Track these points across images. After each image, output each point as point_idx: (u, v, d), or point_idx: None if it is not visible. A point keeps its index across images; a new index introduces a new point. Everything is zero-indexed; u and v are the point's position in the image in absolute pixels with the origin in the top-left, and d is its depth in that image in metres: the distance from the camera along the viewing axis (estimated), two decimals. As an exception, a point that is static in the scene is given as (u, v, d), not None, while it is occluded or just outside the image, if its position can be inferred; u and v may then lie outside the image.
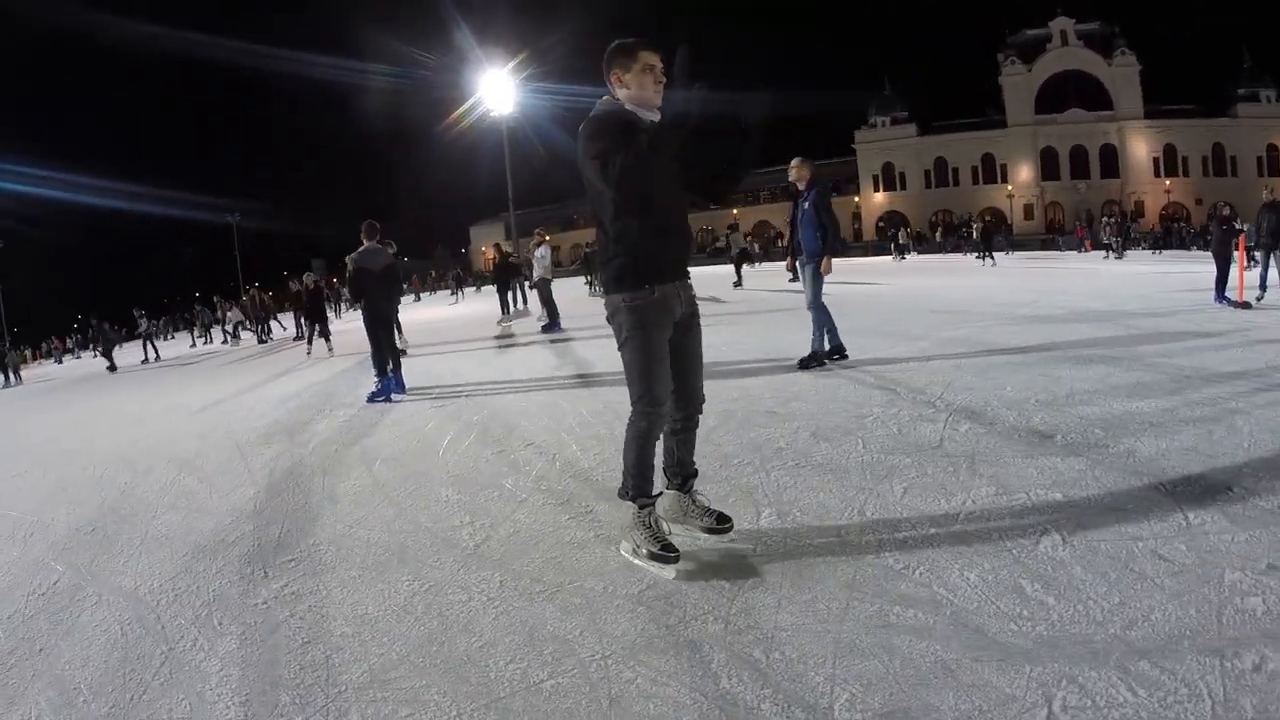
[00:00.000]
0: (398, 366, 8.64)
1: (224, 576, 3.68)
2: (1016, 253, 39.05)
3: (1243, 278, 11.60)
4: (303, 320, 17.53)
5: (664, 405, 3.22)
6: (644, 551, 3.25)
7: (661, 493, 3.44)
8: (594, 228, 3.35)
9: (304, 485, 5.14)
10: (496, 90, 28.73)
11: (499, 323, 15.78)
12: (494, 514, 4.15)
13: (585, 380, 8.35)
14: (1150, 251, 37.25)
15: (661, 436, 3.38)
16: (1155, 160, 59.47)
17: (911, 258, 40.43)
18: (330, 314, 22.62)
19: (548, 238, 15.72)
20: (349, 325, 19.53)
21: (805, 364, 7.41)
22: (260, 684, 2.67)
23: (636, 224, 3.09)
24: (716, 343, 9.37)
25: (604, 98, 3.19)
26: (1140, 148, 59.63)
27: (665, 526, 3.37)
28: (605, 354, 10.02)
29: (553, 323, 13.27)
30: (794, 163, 7.52)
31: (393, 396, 8.19)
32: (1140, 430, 4.69)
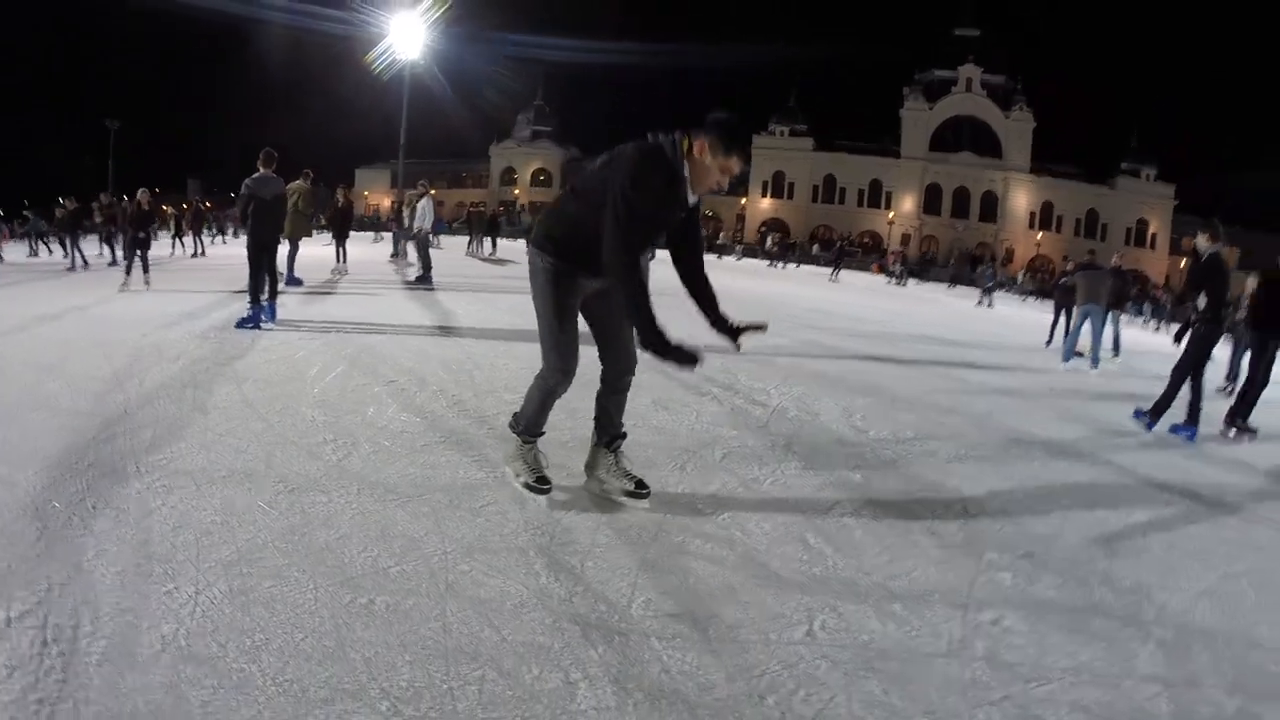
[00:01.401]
0: (274, 295, 8.62)
1: (96, 470, 3.79)
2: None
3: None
4: (123, 244, 13.88)
5: (568, 371, 3.42)
6: (521, 480, 3.67)
7: (544, 433, 3.78)
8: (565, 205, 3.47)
9: (173, 397, 5.22)
10: (405, 33, 27.71)
11: (332, 270, 14.69)
12: (356, 435, 4.51)
13: (449, 331, 8.60)
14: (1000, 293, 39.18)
15: (596, 394, 3.65)
16: (1032, 213, 63.39)
17: (790, 268, 41.42)
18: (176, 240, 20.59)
19: (432, 191, 15.40)
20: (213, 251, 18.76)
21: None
22: (134, 558, 2.91)
23: (606, 237, 3.09)
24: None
25: (679, 138, 3.16)
26: (1020, 199, 63.51)
27: (543, 461, 3.75)
28: (472, 309, 10.36)
29: (425, 276, 13.19)
30: None
31: (263, 324, 8.17)
32: (947, 437, 5.59)
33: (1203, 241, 7.11)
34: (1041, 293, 41.95)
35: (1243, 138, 62.72)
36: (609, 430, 3.71)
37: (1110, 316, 12.15)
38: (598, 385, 3.71)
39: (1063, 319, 13.04)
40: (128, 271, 11.93)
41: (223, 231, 31.21)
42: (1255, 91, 62.85)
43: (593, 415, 3.74)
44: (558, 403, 3.68)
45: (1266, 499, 5.39)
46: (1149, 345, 15.48)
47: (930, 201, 64.64)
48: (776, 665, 2.59)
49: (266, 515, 3.36)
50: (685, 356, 3.13)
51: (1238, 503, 5.14)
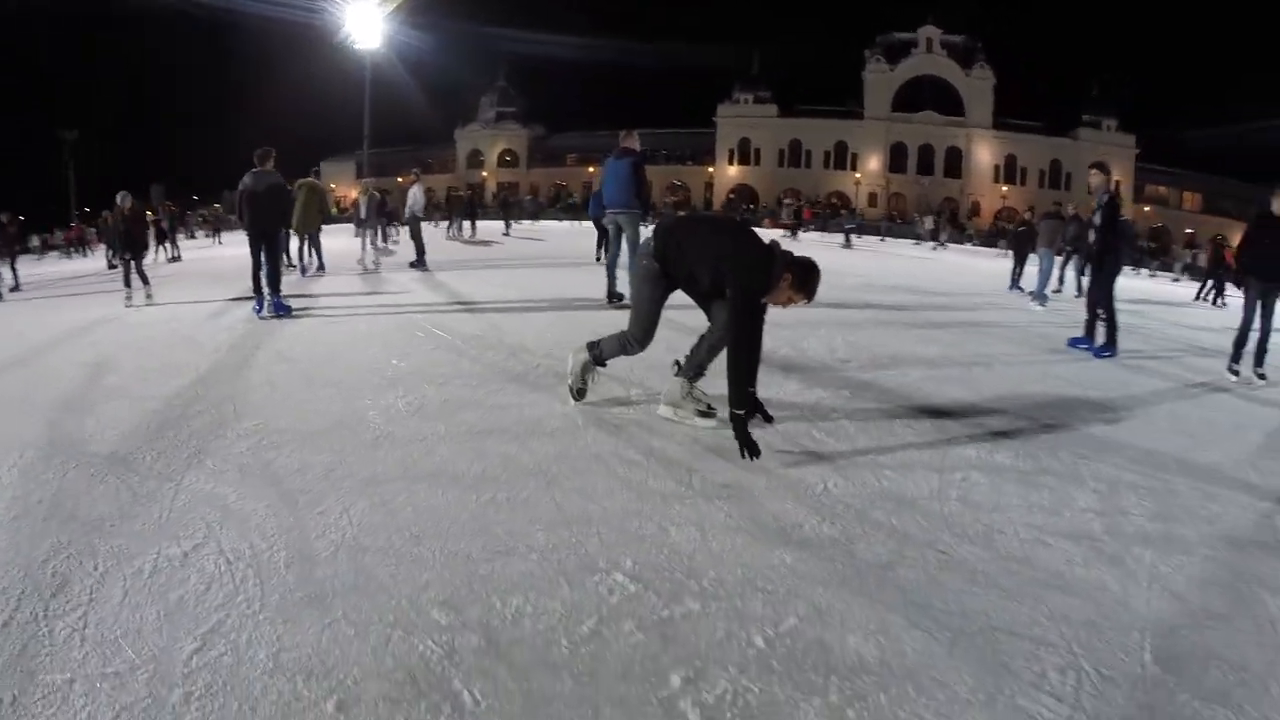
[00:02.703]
0: (277, 288, 8.82)
1: (197, 439, 4.28)
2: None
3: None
4: (118, 253, 12.48)
5: (644, 343, 4.41)
6: (570, 383, 4.76)
7: (605, 366, 4.71)
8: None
9: (234, 377, 5.73)
10: (364, 22, 27.72)
11: (357, 260, 14.67)
12: (421, 391, 5.21)
13: (463, 306, 9.19)
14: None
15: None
16: (996, 167, 64.19)
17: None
18: (154, 246, 18.66)
19: (421, 177, 15.82)
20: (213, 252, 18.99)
21: (611, 298, 8.76)
22: (274, 495, 3.52)
23: (734, 327, 4.02)
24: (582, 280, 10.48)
25: (780, 268, 3.94)
26: (984, 154, 64.24)
27: (589, 382, 4.77)
28: (479, 286, 10.93)
29: (419, 260, 13.70)
30: (636, 133, 8.70)
31: (264, 312, 8.51)
32: (917, 361, 6.49)
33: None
34: (994, 239, 42.82)
35: (1202, 87, 63.74)
36: (697, 369, 4.54)
37: (1073, 261, 13.17)
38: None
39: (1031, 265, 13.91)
40: (126, 283, 10.80)
41: (191, 235, 31.23)
42: (1214, 41, 63.77)
43: (684, 356, 4.57)
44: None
45: (1187, 395, 6.45)
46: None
47: (895, 160, 65.32)
48: (800, 514, 3.44)
49: (374, 453, 4.07)
50: (752, 446, 3.86)
51: (1163, 398, 6.13)
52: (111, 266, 17.20)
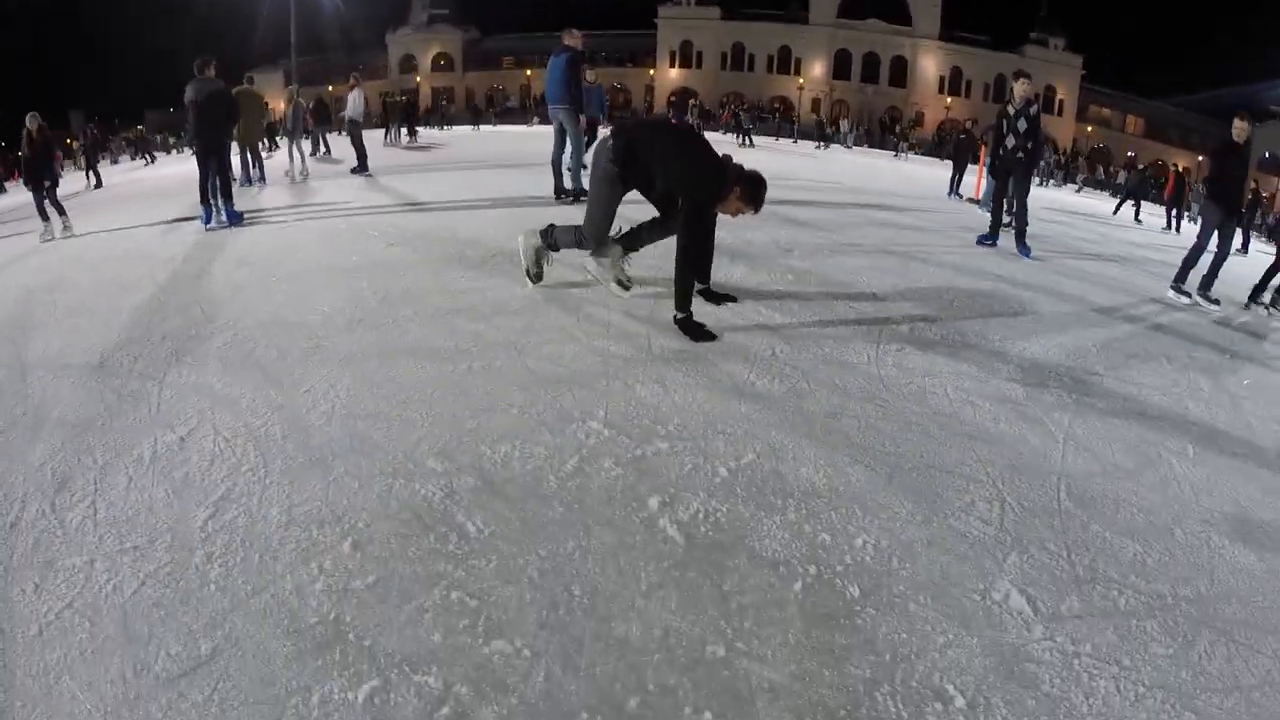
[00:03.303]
0: (229, 197, 8.61)
1: (171, 340, 4.28)
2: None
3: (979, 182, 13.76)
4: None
5: (598, 240, 4.56)
6: (525, 266, 5.00)
7: (558, 251, 4.88)
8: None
9: (197, 283, 5.69)
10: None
11: (285, 172, 13.65)
12: (385, 282, 5.30)
13: (416, 207, 9.11)
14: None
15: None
16: (942, 78, 63.39)
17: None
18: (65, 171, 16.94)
19: (360, 83, 15.33)
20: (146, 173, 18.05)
21: (559, 195, 8.85)
22: (263, 379, 3.69)
23: (682, 227, 4.22)
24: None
25: (731, 179, 4.14)
26: (930, 65, 63.21)
27: (545, 264, 4.99)
28: (425, 188, 10.81)
29: (361, 165, 13.40)
30: (575, 31, 8.60)
31: (212, 224, 8.28)
32: (856, 252, 6.90)
33: None
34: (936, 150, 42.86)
35: (1150, 11, 63.47)
36: (634, 243, 4.78)
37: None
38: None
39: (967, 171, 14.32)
40: (43, 216, 9.46)
41: (114, 159, 29.58)
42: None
43: (627, 226, 4.76)
44: None
45: (1111, 295, 7.20)
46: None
47: (840, 67, 64.27)
48: (752, 374, 3.79)
49: (349, 336, 4.24)
50: (703, 333, 4.17)
51: (1087, 296, 6.62)
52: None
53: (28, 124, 10.42)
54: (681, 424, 3.19)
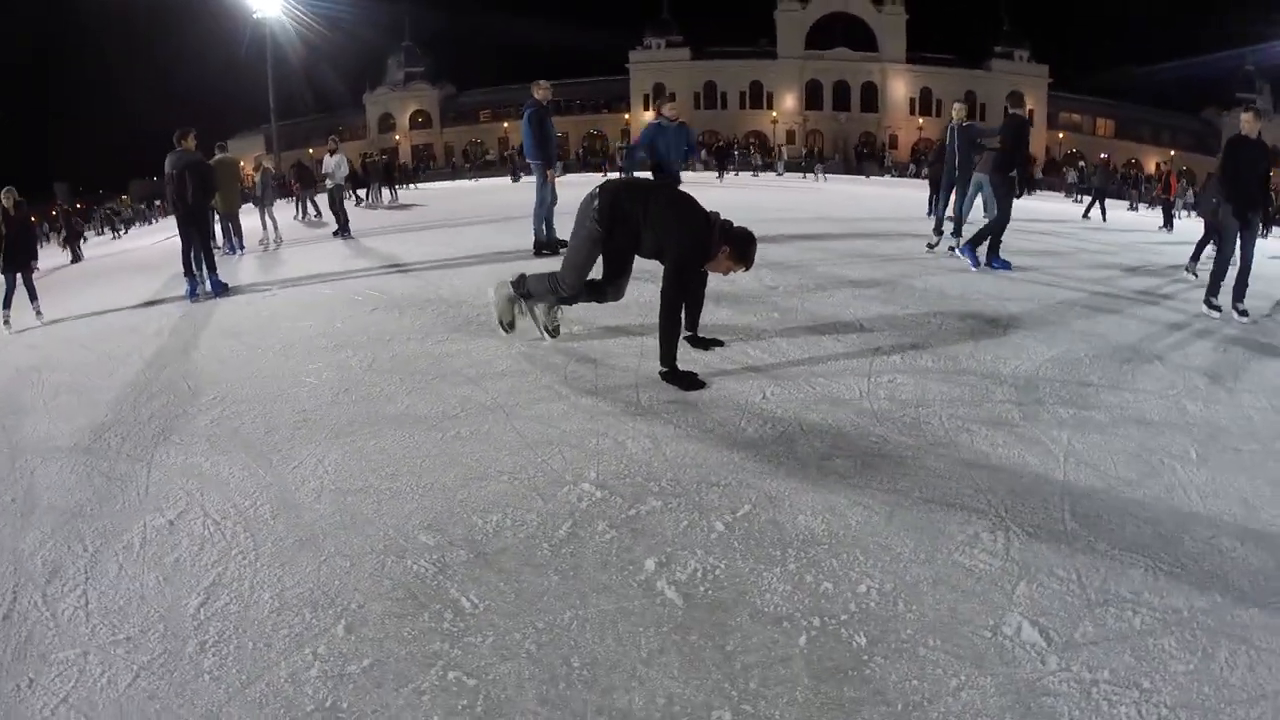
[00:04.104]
0: (213, 268, 8.63)
1: (159, 418, 4.30)
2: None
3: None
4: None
5: (572, 291, 4.52)
6: (498, 317, 5.01)
7: (531, 298, 4.83)
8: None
9: (184, 357, 5.70)
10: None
11: (260, 241, 13.53)
12: (370, 348, 5.30)
13: (400, 269, 9.11)
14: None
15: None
16: (912, 100, 64.60)
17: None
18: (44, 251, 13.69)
19: (339, 145, 15.35)
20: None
21: (538, 250, 8.88)
22: (246, 458, 3.66)
23: (666, 284, 4.19)
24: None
25: (719, 237, 4.15)
26: (899, 88, 64.49)
27: (518, 314, 4.96)
28: (408, 248, 10.85)
29: (344, 229, 13.40)
30: (543, 83, 8.83)
31: (199, 295, 8.28)
32: (841, 285, 6.92)
33: None
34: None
35: (1111, 16, 64.85)
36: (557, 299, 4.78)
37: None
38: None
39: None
40: (4, 303, 8.34)
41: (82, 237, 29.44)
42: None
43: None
44: None
45: (1101, 304, 7.13)
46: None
47: (811, 97, 65.52)
48: (743, 421, 3.76)
49: (336, 408, 4.21)
50: (692, 382, 4.18)
51: (1076, 307, 6.62)
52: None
53: (2, 200, 9.12)
54: (674, 479, 3.16)
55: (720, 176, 32.11)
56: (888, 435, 3.55)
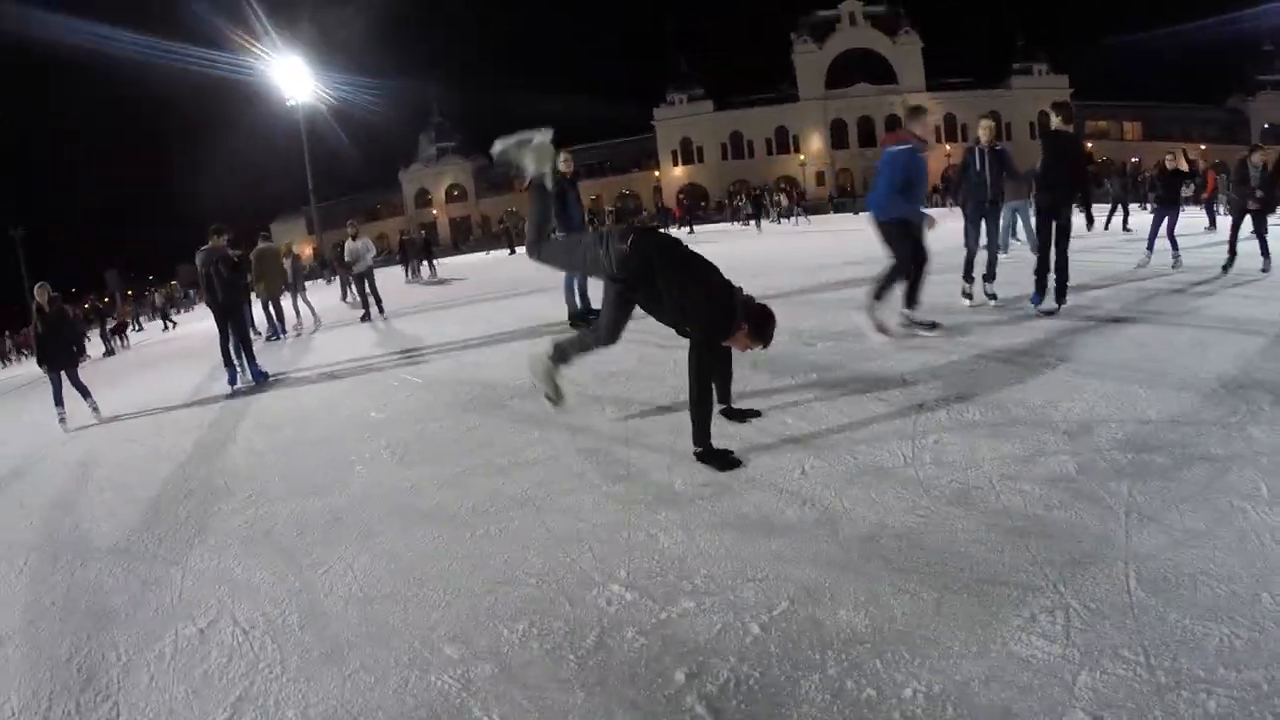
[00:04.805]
0: (251, 357, 8.88)
1: (195, 519, 4.39)
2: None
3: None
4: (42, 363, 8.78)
5: (606, 344, 4.46)
6: (544, 392, 4.74)
7: (570, 364, 4.72)
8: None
9: (221, 451, 5.83)
10: (292, 77, 27.73)
11: (292, 327, 14.08)
12: (404, 437, 5.33)
13: (437, 349, 9.25)
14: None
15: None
16: (938, 127, 64.76)
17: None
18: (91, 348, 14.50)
19: (359, 228, 15.02)
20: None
21: (573, 323, 8.68)
22: (277, 563, 3.66)
23: (693, 362, 4.05)
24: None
25: (741, 315, 4.05)
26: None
27: (559, 381, 4.74)
28: (445, 326, 11.01)
29: (378, 310, 13.53)
30: (564, 155, 8.55)
31: (239, 383, 8.56)
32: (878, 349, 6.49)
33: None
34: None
35: (1124, 19, 64.87)
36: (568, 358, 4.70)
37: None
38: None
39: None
40: (57, 401, 8.32)
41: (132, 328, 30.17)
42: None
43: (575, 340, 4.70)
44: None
45: (1147, 327, 6.55)
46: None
47: (837, 137, 66.15)
48: (781, 502, 3.60)
49: (366, 505, 4.19)
50: (727, 462, 4.05)
51: (1117, 325, 6.34)
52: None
53: (36, 296, 8.81)
54: (709, 575, 3.02)
55: (758, 225, 31.99)
56: (935, 507, 3.37)
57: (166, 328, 27.05)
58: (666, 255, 4.22)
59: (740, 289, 4.17)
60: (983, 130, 8.13)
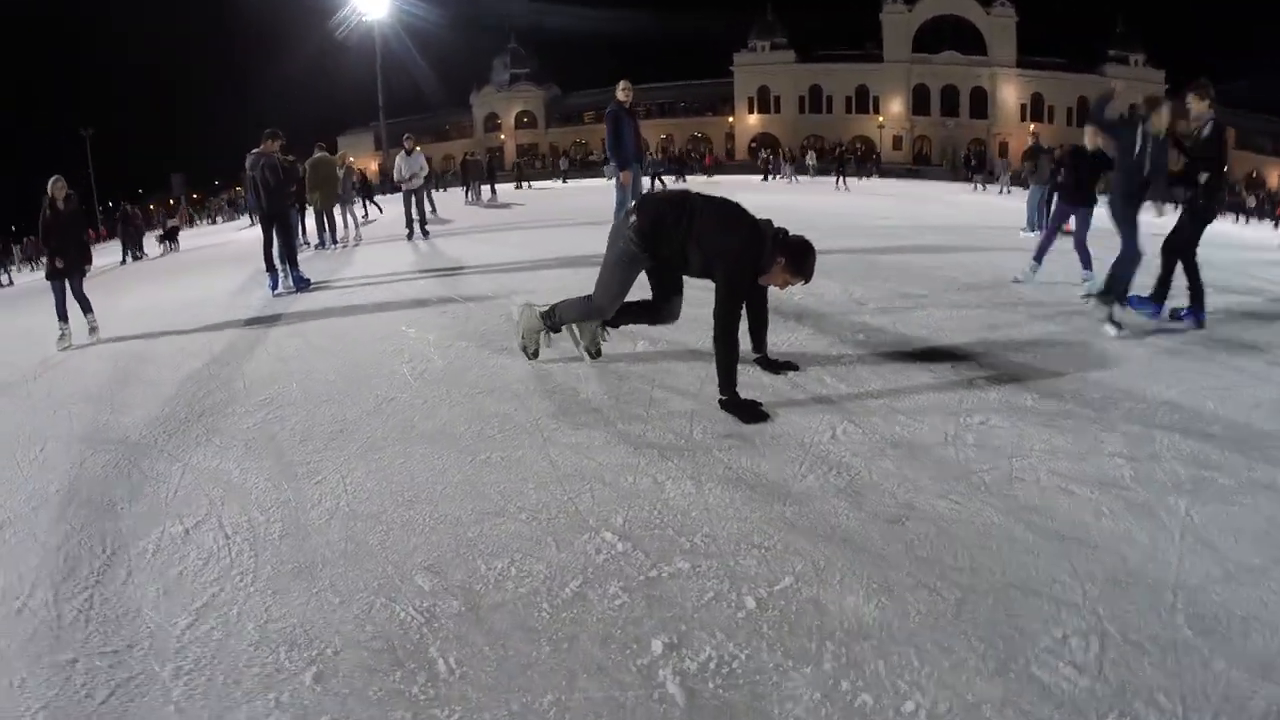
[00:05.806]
0: (294, 264, 8.89)
1: (207, 417, 4.35)
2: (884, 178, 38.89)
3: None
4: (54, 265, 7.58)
5: (607, 315, 4.32)
6: (521, 343, 4.68)
7: (560, 330, 4.58)
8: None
9: (249, 354, 5.78)
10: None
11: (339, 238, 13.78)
12: (427, 354, 5.20)
13: (481, 269, 9.04)
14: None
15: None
16: (1023, 106, 62.25)
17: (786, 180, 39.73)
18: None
19: (411, 144, 13.83)
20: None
21: None
22: (274, 468, 3.57)
23: (718, 304, 3.85)
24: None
25: (772, 246, 3.81)
26: (1010, 93, 62.27)
27: (542, 343, 4.67)
28: (494, 249, 10.87)
29: (412, 230, 13.23)
30: (624, 84, 8.53)
31: (280, 289, 8.54)
32: (935, 303, 6.24)
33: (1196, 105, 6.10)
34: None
35: (1233, 21, 60.84)
36: (617, 322, 4.54)
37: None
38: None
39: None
40: (60, 315, 7.22)
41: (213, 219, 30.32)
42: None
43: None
44: None
45: (1224, 342, 6.01)
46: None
47: (919, 103, 63.71)
48: (804, 466, 3.31)
49: (375, 419, 4.06)
50: (754, 414, 3.80)
51: (1199, 341, 5.65)
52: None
53: (50, 190, 7.46)
54: (710, 535, 2.77)
55: (838, 184, 31.07)
56: (970, 494, 3.06)
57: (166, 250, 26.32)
58: (673, 203, 4.04)
59: (769, 221, 3.89)
60: (1163, 112, 6.47)
